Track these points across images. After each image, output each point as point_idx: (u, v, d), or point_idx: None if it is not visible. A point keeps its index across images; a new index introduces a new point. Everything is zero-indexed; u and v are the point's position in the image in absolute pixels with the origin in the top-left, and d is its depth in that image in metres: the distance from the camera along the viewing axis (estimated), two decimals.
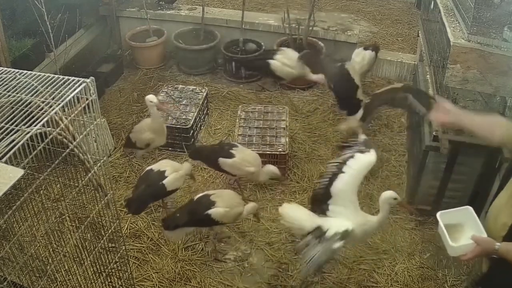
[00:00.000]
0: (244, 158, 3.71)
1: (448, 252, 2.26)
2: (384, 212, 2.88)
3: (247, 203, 3.40)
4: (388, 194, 2.85)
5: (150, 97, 3.75)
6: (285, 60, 4.61)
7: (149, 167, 3.54)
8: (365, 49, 5.00)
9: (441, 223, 2.25)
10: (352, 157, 2.93)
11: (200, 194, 3.34)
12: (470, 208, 2.32)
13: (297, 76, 4.67)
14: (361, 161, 2.90)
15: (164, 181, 3.39)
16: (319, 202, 2.94)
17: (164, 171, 3.43)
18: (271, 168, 3.78)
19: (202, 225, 3.33)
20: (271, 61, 4.63)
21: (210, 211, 3.17)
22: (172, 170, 3.46)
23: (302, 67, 4.55)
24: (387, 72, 5.54)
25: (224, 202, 3.22)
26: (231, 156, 3.68)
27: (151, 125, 3.87)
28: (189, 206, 3.32)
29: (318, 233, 2.71)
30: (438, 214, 2.29)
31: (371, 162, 2.89)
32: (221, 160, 3.68)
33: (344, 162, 2.93)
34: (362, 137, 3.05)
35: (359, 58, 4.91)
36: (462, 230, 2.29)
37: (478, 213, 2.32)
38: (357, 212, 2.88)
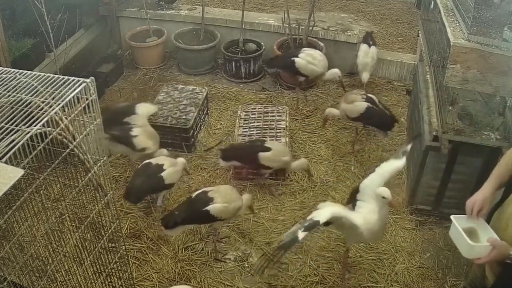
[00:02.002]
0: (278, 149, 3.85)
1: (462, 253, 2.23)
2: (380, 208, 2.91)
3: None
4: (379, 191, 2.90)
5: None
6: (309, 58, 4.77)
7: (147, 161, 3.63)
8: (369, 45, 5.08)
9: (456, 224, 2.23)
10: (387, 161, 3.19)
11: (198, 191, 3.36)
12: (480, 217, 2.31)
13: (319, 74, 4.80)
14: (391, 165, 3.13)
15: (163, 174, 3.49)
16: (354, 197, 3.15)
17: (162, 165, 3.54)
18: (305, 162, 3.95)
19: (201, 221, 3.35)
20: (295, 59, 4.78)
21: (208, 207, 3.20)
22: (170, 164, 3.57)
23: (324, 66, 4.72)
24: (387, 72, 5.54)
25: (222, 198, 3.24)
26: (268, 149, 3.80)
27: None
28: (187, 203, 3.34)
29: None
30: (452, 217, 2.28)
31: (399, 167, 3.12)
32: (261, 154, 3.79)
33: (379, 165, 3.17)
34: (408, 147, 3.23)
35: (369, 58, 5.01)
36: (475, 236, 2.27)
37: None
38: (371, 209, 2.96)
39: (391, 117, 4.22)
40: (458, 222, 2.26)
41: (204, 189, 3.37)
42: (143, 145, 3.81)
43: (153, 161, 3.60)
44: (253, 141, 4.04)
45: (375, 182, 3.03)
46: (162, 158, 3.65)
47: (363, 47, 5.11)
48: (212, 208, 3.20)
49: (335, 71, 4.73)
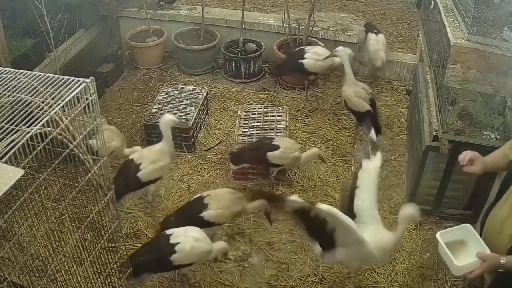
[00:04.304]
0: (286, 146, 3.82)
1: (452, 272, 2.25)
2: (402, 230, 2.75)
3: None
4: (407, 212, 2.68)
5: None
6: (315, 56, 4.82)
7: (130, 157, 3.53)
8: (375, 34, 5.12)
9: (442, 243, 2.23)
10: (360, 166, 2.94)
11: (196, 196, 3.34)
12: (469, 226, 2.32)
13: (327, 68, 4.85)
14: (369, 171, 2.90)
15: (139, 174, 3.40)
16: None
17: (139, 164, 3.43)
18: (316, 151, 3.95)
19: (198, 226, 3.26)
20: (303, 61, 4.82)
21: (202, 214, 3.18)
22: (149, 162, 3.44)
23: (330, 60, 4.75)
24: (387, 72, 5.53)
25: (216, 204, 3.20)
26: (276, 148, 3.78)
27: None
28: (184, 209, 3.32)
29: None
30: (438, 234, 2.28)
31: (377, 167, 2.90)
32: (270, 154, 3.76)
33: (356, 176, 2.92)
34: (371, 137, 3.03)
35: (380, 44, 5.04)
36: (465, 248, 2.27)
37: (477, 213, 2.31)
38: (378, 228, 2.80)
39: (379, 128, 4.26)
40: (445, 237, 2.26)
41: (202, 194, 3.33)
42: (112, 149, 3.69)
43: (136, 158, 3.48)
44: (261, 140, 4.02)
45: (368, 199, 2.83)
46: (145, 155, 3.48)
47: (371, 35, 5.09)
48: (206, 215, 3.18)
49: (341, 49, 4.68)
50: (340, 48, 4.41)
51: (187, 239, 2.86)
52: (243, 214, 3.38)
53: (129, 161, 3.50)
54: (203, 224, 3.20)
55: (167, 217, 3.36)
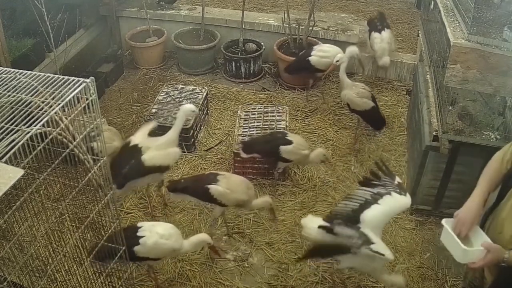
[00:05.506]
0: (299, 142, 3.84)
1: (456, 258, 2.23)
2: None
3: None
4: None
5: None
6: (321, 53, 4.92)
7: (136, 143, 3.46)
8: (379, 32, 5.13)
9: (448, 228, 2.23)
10: (389, 194, 2.87)
11: (212, 171, 3.54)
12: None
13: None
14: (398, 202, 2.85)
15: (142, 157, 3.38)
16: (347, 221, 2.83)
17: (141, 148, 3.41)
18: (323, 151, 3.93)
19: (200, 197, 3.41)
20: (310, 58, 4.93)
21: (209, 186, 3.29)
22: (154, 148, 3.43)
23: (335, 55, 4.78)
24: (387, 72, 5.53)
25: (227, 184, 3.30)
26: (289, 142, 3.79)
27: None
28: (195, 177, 3.59)
29: (364, 239, 2.64)
30: (443, 221, 2.27)
31: (406, 206, 2.88)
32: (282, 148, 3.77)
33: (380, 195, 2.86)
34: (397, 180, 2.97)
35: (385, 43, 5.08)
36: (467, 239, 2.26)
37: None
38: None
39: (384, 120, 4.55)
40: (449, 226, 2.25)
41: (218, 172, 3.52)
42: (112, 149, 3.67)
43: (141, 143, 3.45)
44: (274, 133, 4.04)
45: (382, 218, 2.82)
46: (147, 141, 3.46)
47: (375, 34, 5.14)
48: (212, 187, 3.29)
49: (353, 49, 4.72)
50: (339, 55, 4.44)
51: (151, 234, 2.92)
52: (246, 207, 3.44)
53: (132, 146, 3.42)
54: (207, 196, 3.32)
55: (178, 179, 3.58)
